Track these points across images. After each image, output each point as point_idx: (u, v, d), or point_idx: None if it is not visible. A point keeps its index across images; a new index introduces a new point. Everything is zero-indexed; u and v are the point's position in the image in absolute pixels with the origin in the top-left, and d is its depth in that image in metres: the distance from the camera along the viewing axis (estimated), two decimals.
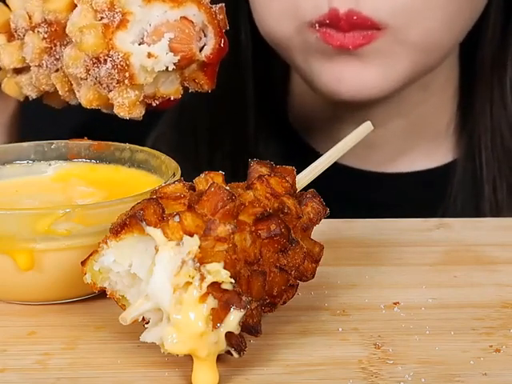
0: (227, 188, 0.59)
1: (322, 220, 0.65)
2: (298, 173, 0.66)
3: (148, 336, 0.58)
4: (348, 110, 1.05)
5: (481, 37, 1.05)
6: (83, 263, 0.60)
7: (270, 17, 0.97)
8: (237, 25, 1.06)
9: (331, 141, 0.97)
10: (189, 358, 0.57)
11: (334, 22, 0.90)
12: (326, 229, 0.71)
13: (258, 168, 0.64)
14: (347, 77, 0.94)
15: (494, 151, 1.05)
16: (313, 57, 0.96)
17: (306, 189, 0.67)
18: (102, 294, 0.63)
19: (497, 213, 1.05)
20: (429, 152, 1.10)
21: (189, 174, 1.05)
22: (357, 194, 1.09)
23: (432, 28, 0.93)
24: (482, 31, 1.04)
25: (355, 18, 0.89)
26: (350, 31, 0.90)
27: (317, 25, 0.92)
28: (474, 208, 1.06)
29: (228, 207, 0.57)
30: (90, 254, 0.60)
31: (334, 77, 0.94)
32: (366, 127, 0.74)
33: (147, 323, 0.58)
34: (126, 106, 0.71)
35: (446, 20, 0.94)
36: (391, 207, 1.05)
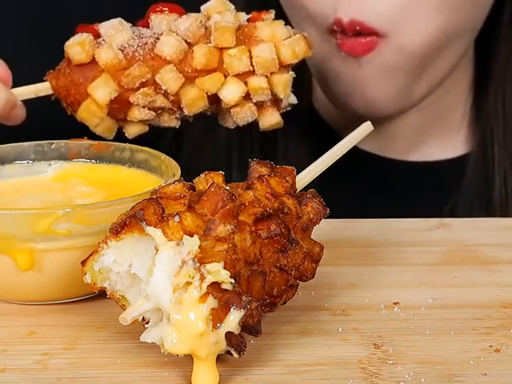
0: (227, 188, 0.59)
1: (322, 220, 0.65)
2: (298, 173, 0.66)
3: (148, 336, 0.58)
4: None
5: (496, 35, 1.08)
6: (83, 263, 0.60)
7: (298, 21, 1.02)
8: None
9: (352, 128, 0.99)
10: (189, 358, 0.57)
11: (340, 30, 0.95)
12: (326, 229, 0.71)
13: (258, 168, 0.64)
14: (356, 93, 0.98)
15: (505, 144, 1.07)
16: (331, 71, 1.00)
17: (308, 187, 0.67)
18: (102, 294, 0.63)
19: (506, 204, 1.07)
20: (444, 144, 1.12)
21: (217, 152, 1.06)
22: (374, 178, 1.12)
23: (422, 35, 0.96)
24: (497, 30, 1.07)
25: (358, 28, 0.94)
26: (356, 36, 0.95)
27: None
28: (484, 199, 1.08)
29: (228, 207, 0.57)
30: (90, 254, 0.60)
31: (346, 91, 0.99)
32: (366, 127, 0.74)
33: (147, 323, 0.58)
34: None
35: (433, 29, 0.96)
36: (406, 194, 1.09)
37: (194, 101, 0.80)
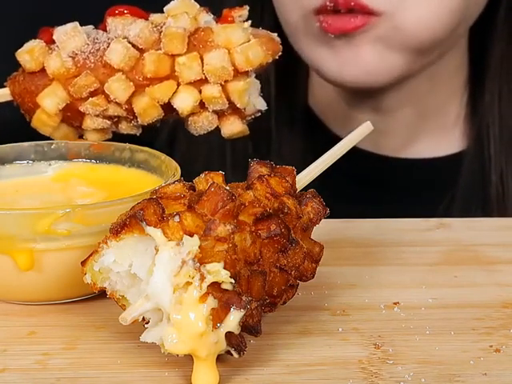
0: (227, 188, 0.59)
1: (322, 220, 0.65)
2: (297, 173, 0.66)
3: (148, 336, 0.58)
4: (359, 97, 1.09)
5: (491, 32, 1.08)
6: (83, 263, 0.60)
7: (281, 5, 1.03)
8: (261, 15, 1.10)
9: (348, 125, 0.99)
10: (189, 358, 0.57)
11: (334, 6, 0.95)
12: (326, 229, 0.71)
13: (258, 168, 0.64)
14: (348, 63, 0.98)
15: (501, 142, 1.08)
16: (316, 44, 1.00)
17: (308, 187, 0.67)
18: (102, 294, 0.63)
19: (503, 202, 1.07)
20: (439, 140, 1.12)
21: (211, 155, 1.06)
22: (370, 176, 1.12)
23: (423, 16, 0.97)
24: (493, 27, 1.08)
25: (353, 3, 0.94)
26: (348, 14, 0.95)
27: (320, 16, 0.97)
28: (480, 197, 1.08)
29: (228, 207, 0.57)
30: (90, 254, 0.60)
31: (336, 63, 0.99)
32: (365, 127, 0.74)
33: (147, 323, 0.58)
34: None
35: (436, 11, 0.97)
36: (404, 192, 1.09)
37: (145, 110, 0.76)
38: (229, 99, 0.76)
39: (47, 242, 0.65)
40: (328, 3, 0.95)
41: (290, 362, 0.60)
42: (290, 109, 1.14)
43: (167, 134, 1.13)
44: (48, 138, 0.80)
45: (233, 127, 0.79)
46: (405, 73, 1.01)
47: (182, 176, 0.70)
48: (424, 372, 0.59)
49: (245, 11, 0.78)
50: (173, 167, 0.73)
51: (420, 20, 0.96)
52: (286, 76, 1.13)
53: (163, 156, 0.76)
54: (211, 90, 0.76)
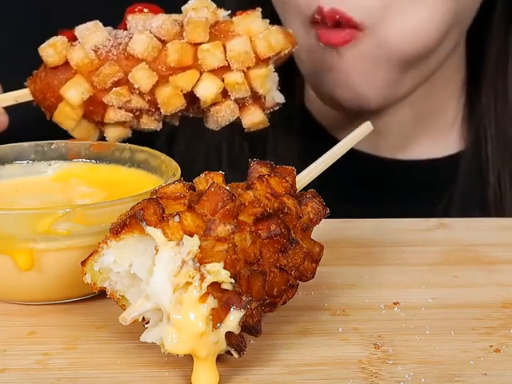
0: (227, 188, 0.59)
1: (322, 220, 0.65)
2: (298, 173, 0.66)
3: (148, 336, 0.58)
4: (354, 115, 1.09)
5: (487, 33, 1.08)
6: (83, 263, 0.60)
7: (282, 14, 1.03)
8: None
9: (344, 126, 0.98)
10: (189, 358, 0.57)
11: (321, 19, 0.96)
12: (326, 229, 0.71)
13: (258, 168, 0.64)
14: (339, 85, 0.99)
15: (498, 144, 1.08)
16: (316, 63, 1.00)
17: (308, 187, 0.67)
18: (102, 294, 0.63)
19: (500, 202, 1.07)
20: (437, 142, 1.13)
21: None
22: (369, 177, 1.12)
23: (407, 30, 0.96)
24: (489, 28, 1.07)
25: (337, 16, 0.95)
26: (336, 27, 0.96)
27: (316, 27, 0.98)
28: (478, 198, 1.09)
29: (228, 207, 0.57)
30: (90, 254, 0.60)
31: (330, 84, 1.00)
32: (365, 127, 0.74)
33: (147, 323, 0.58)
34: None
35: (422, 23, 0.97)
36: (403, 193, 1.09)
37: (168, 99, 0.77)
38: (251, 87, 0.77)
39: (47, 241, 0.65)
40: (316, 16, 0.96)
41: (290, 361, 0.60)
42: (287, 109, 1.14)
43: (166, 134, 1.13)
44: (65, 137, 0.80)
45: (253, 117, 0.80)
46: (401, 95, 1.01)
47: (181, 176, 0.70)
48: (424, 372, 0.59)
49: (258, 12, 0.80)
50: (173, 167, 0.73)
51: (404, 33, 0.96)
52: (283, 76, 1.13)
53: (163, 156, 0.76)
54: (234, 77, 0.77)
